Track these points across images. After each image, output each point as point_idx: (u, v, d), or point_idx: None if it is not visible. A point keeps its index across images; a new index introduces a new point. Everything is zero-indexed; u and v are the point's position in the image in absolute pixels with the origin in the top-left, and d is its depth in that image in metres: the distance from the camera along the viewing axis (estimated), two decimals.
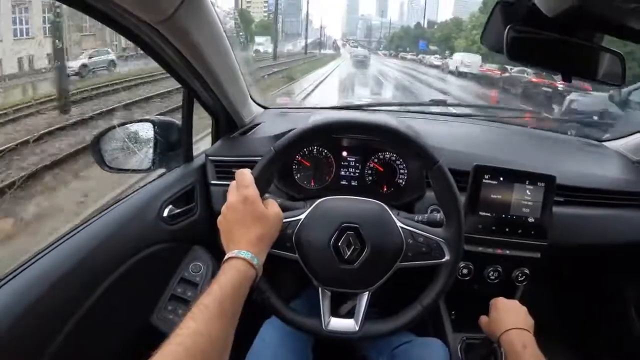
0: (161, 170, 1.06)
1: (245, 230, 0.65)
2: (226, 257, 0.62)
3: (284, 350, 0.84)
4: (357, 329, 0.74)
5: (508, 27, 0.65)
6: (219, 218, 0.68)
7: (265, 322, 0.89)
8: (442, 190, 0.75)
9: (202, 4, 0.74)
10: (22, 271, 0.69)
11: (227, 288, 0.57)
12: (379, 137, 0.79)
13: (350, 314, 0.77)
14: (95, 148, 1.01)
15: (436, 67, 24.85)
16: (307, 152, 1.07)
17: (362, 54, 30.43)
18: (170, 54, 0.78)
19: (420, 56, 34.37)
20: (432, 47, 41.03)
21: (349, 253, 0.71)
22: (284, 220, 0.72)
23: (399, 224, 0.75)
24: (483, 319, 0.86)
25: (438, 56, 29.57)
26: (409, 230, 0.74)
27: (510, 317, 0.79)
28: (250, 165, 0.73)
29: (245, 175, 0.68)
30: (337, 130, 0.77)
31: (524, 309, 0.82)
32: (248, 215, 0.65)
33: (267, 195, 0.76)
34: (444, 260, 0.74)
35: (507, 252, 0.98)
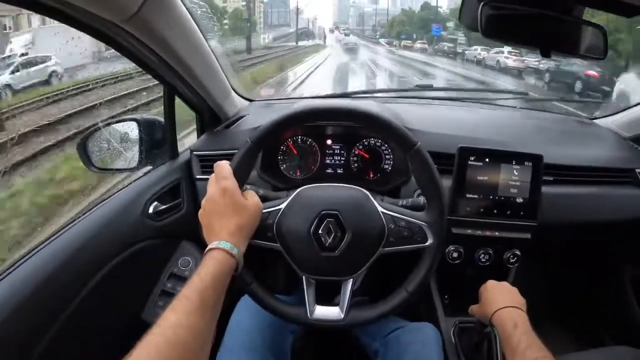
0: (148, 168, 1.06)
1: (225, 221, 0.65)
2: (207, 248, 0.63)
3: (260, 333, 0.84)
4: (342, 316, 0.73)
5: (482, 3, 0.64)
6: (200, 212, 0.68)
7: (239, 302, 0.89)
8: (421, 173, 0.73)
9: None
10: (9, 273, 0.70)
11: (207, 279, 0.57)
12: (355, 122, 0.78)
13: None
14: (82, 150, 1.01)
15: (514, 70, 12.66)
16: (291, 142, 1.06)
17: (352, 42, 29.73)
18: (143, 51, 0.77)
19: (439, 45, 24.01)
20: (445, 33, 28.23)
21: (329, 240, 0.71)
22: (265, 210, 0.72)
23: (380, 209, 0.74)
24: (473, 307, 0.86)
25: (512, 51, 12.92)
26: (391, 215, 0.74)
27: (501, 296, 0.79)
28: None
29: (223, 167, 0.69)
30: (312, 118, 0.76)
31: (515, 288, 0.82)
32: (227, 207, 0.66)
33: (248, 186, 0.76)
34: (427, 244, 0.73)
35: (497, 233, 0.97)
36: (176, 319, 0.51)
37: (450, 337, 0.98)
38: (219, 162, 0.70)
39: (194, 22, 0.83)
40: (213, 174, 0.69)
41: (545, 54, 0.69)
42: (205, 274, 0.58)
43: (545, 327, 0.71)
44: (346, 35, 40.32)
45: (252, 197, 0.70)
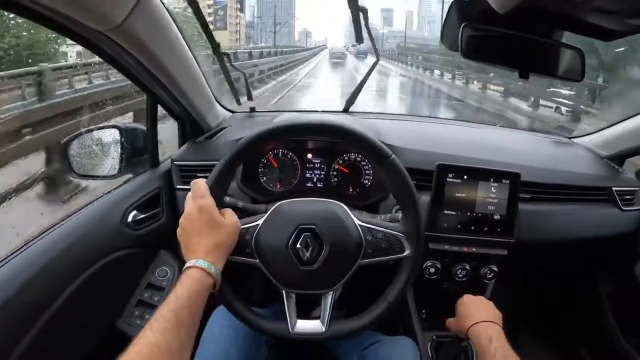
0: (128, 176, 1.05)
1: (202, 240, 0.65)
2: (185, 266, 0.63)
3: (234, 343, 0.84)
4: (324, 329, 0.73)
5: (463, 25, 0.65)
6: (178, 230, 0.68)
7: (214, 312, 0.88)
8: (396, 184, 0.75)
9: (155, 9, 0.74)
10: None
11: (184, 298, 0.57)
12: (330, 137, 0.79)
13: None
14: (63, 154, 1.00)
15: None
16: (272, 155, 1.07)
17: (340, 51, 29.64)
18: (128, 60, 0.78)
19: None
20: None
21: (307, 254, 0.71)
22: (243, 227, 0.72)
23: (357, 221, 0.74)
24: (450, 320, 0.86)
25: None
26: (367, 227, 0.74)
27: (476, 311, 0.80)
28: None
29: (200, 185, 0.69)
30: (285, 134, 0.77)
31: (491, 302, 0.83)
32: (204, 225, 0.66)
33: (227, 198, 0.77)
34: (404, 254, 0.74)
35: (474, 249, 0.98)
36: (152, 337, 0.51)
37: (427, 351, 0.98)
38: (195, 180, 0.70)
39: (180, 33, 0.84)
40: (190, 192, 0.69)
41: (524, 75, 0.71)
42: (182, 292, 0.58)
43: (522, 341, 0.72)
44: (359, 54, 30.84)
45: (229, 215, 0.70)
